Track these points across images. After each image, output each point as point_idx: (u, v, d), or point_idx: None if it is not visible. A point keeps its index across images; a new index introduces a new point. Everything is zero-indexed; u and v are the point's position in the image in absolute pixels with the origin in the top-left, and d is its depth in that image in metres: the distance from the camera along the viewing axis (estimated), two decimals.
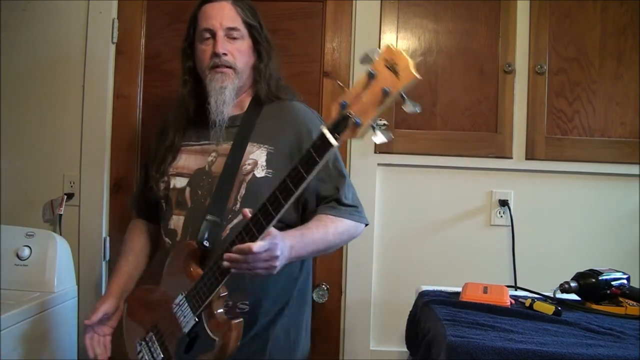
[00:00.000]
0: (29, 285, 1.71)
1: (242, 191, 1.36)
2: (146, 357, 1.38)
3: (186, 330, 1.28)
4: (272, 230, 1.15)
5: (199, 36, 1.43)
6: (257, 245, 1.12)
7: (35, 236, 1.78)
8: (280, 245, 1.17)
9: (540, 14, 1.96)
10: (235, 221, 1.34)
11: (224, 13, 1.40)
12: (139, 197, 1.59)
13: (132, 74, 2.02)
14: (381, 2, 1.98)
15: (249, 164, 1.36)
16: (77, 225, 2.00)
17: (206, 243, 1.30)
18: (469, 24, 1.98)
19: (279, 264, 1.19)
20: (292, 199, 1.08)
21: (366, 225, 1.46)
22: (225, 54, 1.39)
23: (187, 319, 1.27)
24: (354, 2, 1.99)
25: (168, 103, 2.02)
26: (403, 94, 0.95)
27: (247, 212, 1.14)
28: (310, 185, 1.40)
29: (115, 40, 2.01)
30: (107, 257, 2.01)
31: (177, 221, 1.40)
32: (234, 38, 1.41)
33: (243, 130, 1.41)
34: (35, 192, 2.00)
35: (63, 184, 2.01)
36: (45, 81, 2.02)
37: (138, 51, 2.02)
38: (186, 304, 1.27)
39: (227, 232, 1.34)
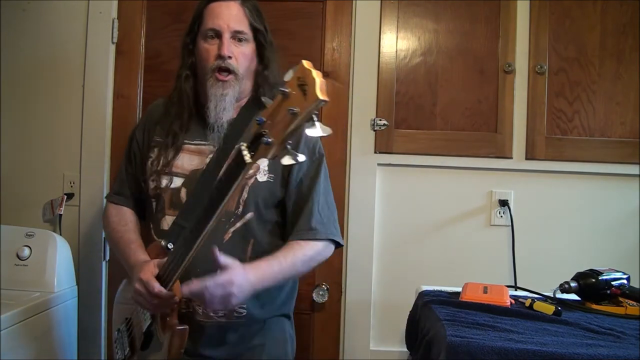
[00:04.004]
0: (29, 285, 1.71)
1: (245, 195, 1.35)
2: (118, 348, 1.41)
3: (144, 326, 1.31)
4: (233, 265, 1.18)
5: (203, 34, 1.38)
6: (211, 285, 1.15)
7: (35, 236, 1.78)
8: (238, 282, 1.18)
9: (540, 14, 1.96)
10: (238, 224, 1.35)
11: (231, 14, 1.36)
12: (130, 185, 1.51)
13: (132, 74, 2.02)
14: (381, 2, 1.98)
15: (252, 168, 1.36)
16: (77, 225, 2.00)
17: (170, 246, 1.29)
18: (469, 24, 1.98)
19: (234, 301, 1.20)
20: (220, 208, 1.06)
21: (339, 246, 1.44)
22: (230, 57, 1.34)
23: (147, 315, 1.31)
24: (354, 2, 1.99)
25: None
26: (314, 116, 0.88)
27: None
28: (299, 181, 1.39)
29: (115, 40, 2.01)
30: (107, 257, 2.01)
31: (170, 222, 1.36)
32: (240, 41, 1.37)
33: (232, 134, 1.37)
34: (35, 192, 2.00)
35: (63, 184, 2.01)
36: (45, 81, 2.02)
37: (138, 51, 2.02)
38: None
39: (230, 235, 1.34)
